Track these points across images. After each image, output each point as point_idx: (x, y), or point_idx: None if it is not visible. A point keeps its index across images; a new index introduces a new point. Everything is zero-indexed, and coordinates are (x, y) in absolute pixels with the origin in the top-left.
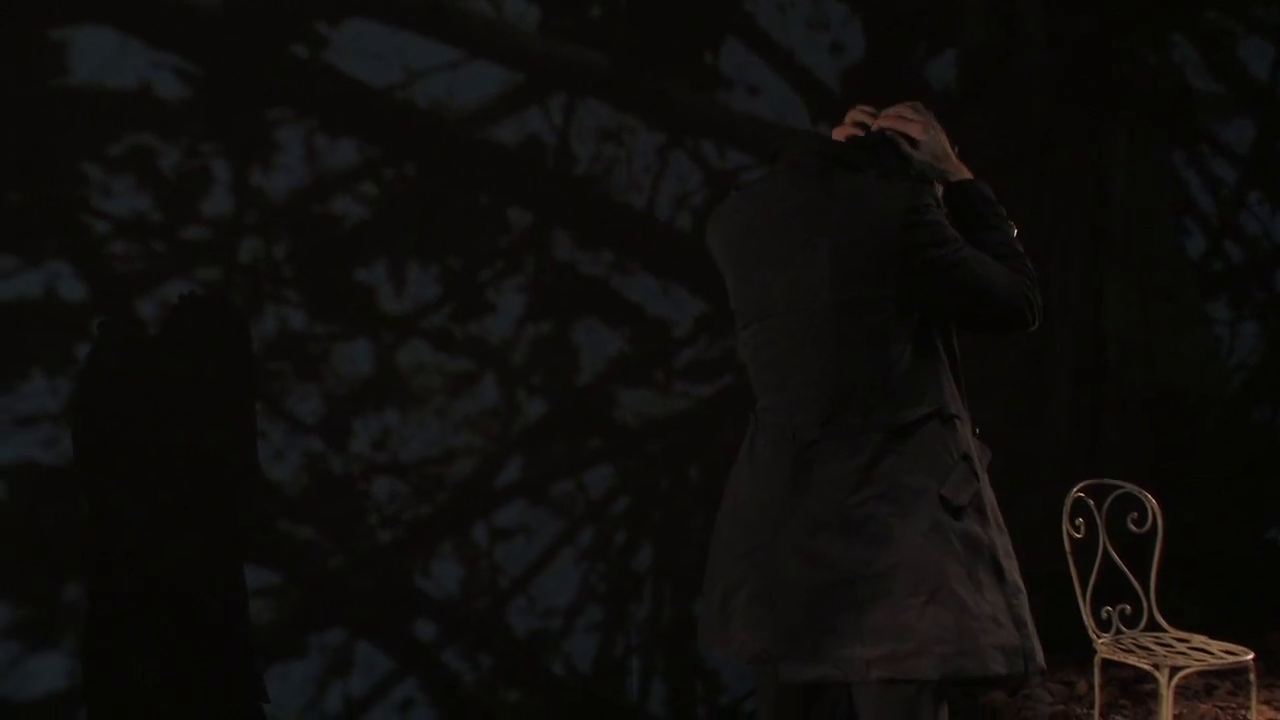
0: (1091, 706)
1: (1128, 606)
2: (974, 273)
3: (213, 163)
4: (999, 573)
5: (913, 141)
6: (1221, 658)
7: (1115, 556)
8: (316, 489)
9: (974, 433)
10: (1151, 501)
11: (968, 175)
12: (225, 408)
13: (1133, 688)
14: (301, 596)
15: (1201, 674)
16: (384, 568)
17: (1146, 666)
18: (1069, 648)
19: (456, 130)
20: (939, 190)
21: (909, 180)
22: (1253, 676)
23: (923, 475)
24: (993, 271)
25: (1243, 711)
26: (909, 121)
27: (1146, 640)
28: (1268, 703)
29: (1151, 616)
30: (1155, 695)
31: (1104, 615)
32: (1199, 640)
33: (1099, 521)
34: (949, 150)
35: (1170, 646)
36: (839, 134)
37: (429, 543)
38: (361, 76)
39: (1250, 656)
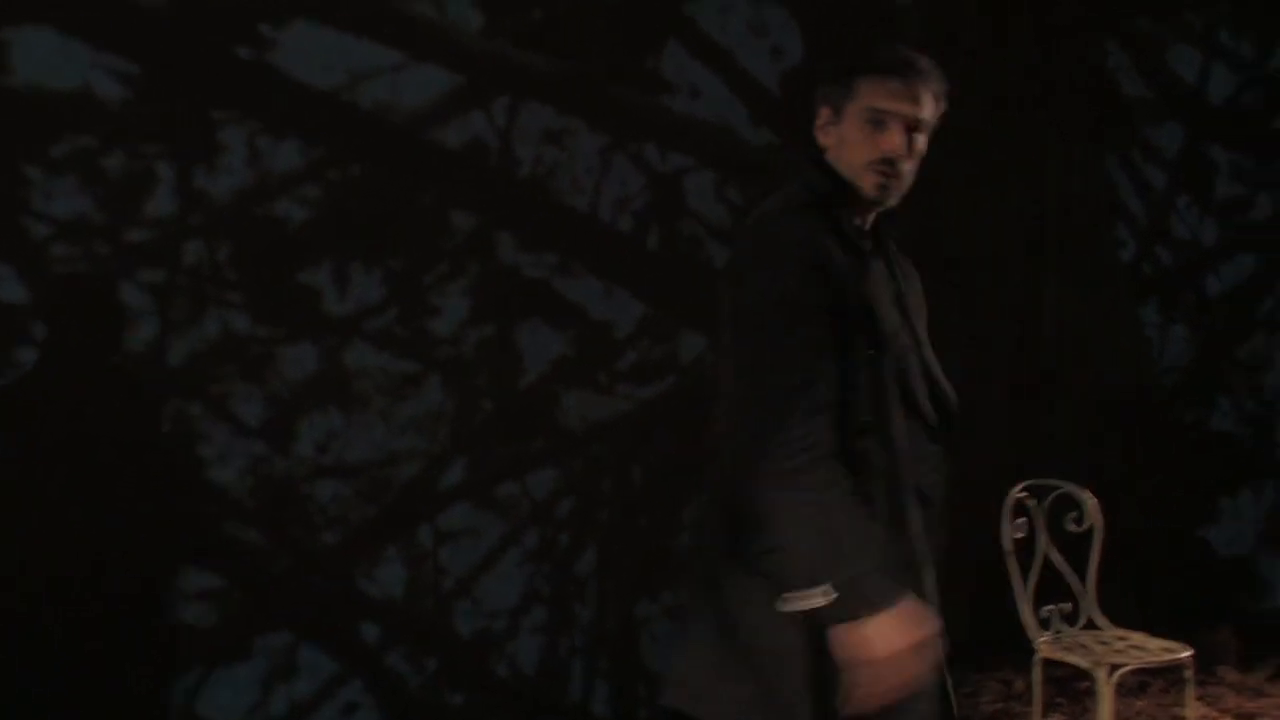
0: (1029, 704)
1: (1067, 605)
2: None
3: (156, 164)
4: None
5: None
6: (1159, 655)
7: (1055, 556)
8: (260, 492)
9: None
10: (1090, 501)
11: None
12: (168, 410)
13: (1069, 686)
14: (245, 599)
15: (1136, 671)
16: (328, 570)
17: (1086, 665)
18: (1009, 646)
19: (400, 132)
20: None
21: None
22: (1188, 674)
23: None
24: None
25: (1176, 708)
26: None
27: (1085, 638)
28: (1202, 699)
29: (1090, 615)
30: (1092, 693)
31: (1044, 614)
32: (1137, 638)
33: (1039, 521)
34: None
35: (1108, 645)
36: None
37: (373, 545)
38: (305, 79)
39: (1187, 654)
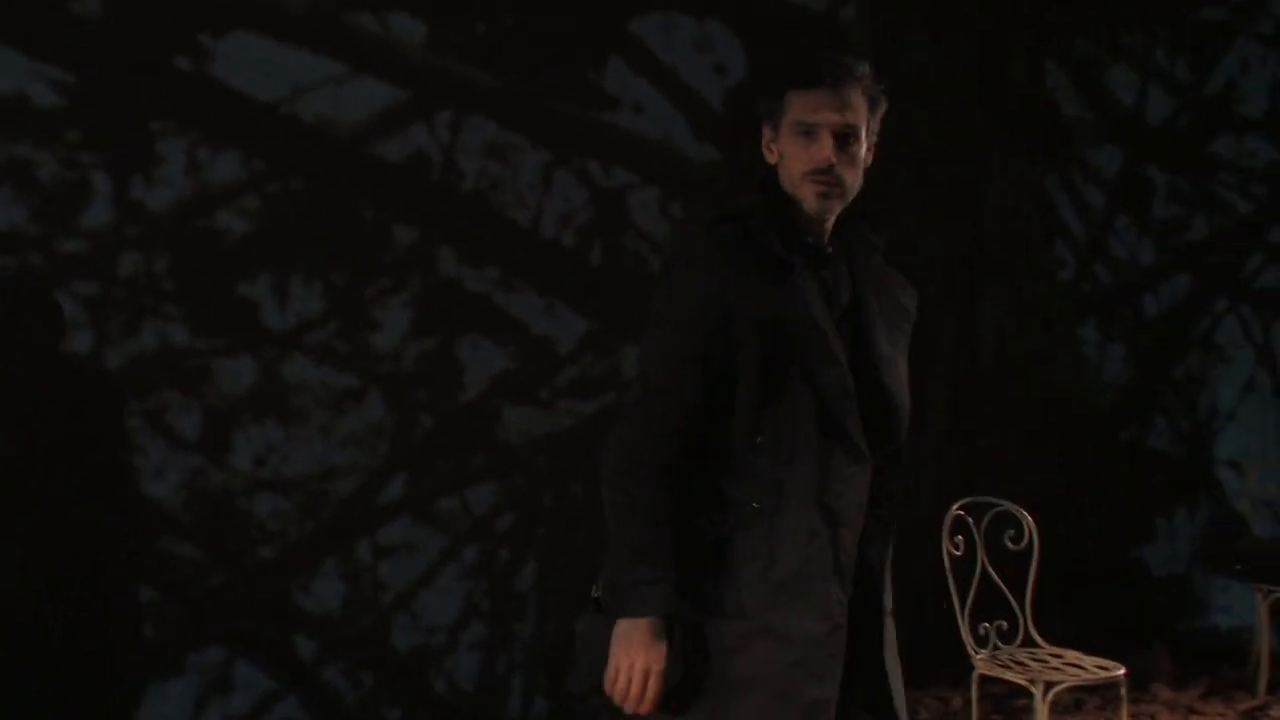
0: None
1: (1004, 623)
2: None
3: (92, 175)
4: None
5: None
6: (1094, 673)
7: (993, 573)
8: (196, 505)
9: None
10: (1028, 519)
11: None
12: (102, 422)
13: (1006, 703)
14: (180, 614)
15: (1072, 689)
16: (265, 585)
17: (1023, 682)
18: (946, 663)
19: (341, 145)
20: None
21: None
22: (1123, 691)
23: None
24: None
25: None
26: None
27: (1022, 656)
28: (1135, 716)
29: (1027, 632)
30: (1029, 710)
31: (981, 631)
32: (1072, 656)
33: (977, 539)
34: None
35: (1045, 662)
36: None
37: (311, 560)
38: (245, 90)
39: (1121, 672)
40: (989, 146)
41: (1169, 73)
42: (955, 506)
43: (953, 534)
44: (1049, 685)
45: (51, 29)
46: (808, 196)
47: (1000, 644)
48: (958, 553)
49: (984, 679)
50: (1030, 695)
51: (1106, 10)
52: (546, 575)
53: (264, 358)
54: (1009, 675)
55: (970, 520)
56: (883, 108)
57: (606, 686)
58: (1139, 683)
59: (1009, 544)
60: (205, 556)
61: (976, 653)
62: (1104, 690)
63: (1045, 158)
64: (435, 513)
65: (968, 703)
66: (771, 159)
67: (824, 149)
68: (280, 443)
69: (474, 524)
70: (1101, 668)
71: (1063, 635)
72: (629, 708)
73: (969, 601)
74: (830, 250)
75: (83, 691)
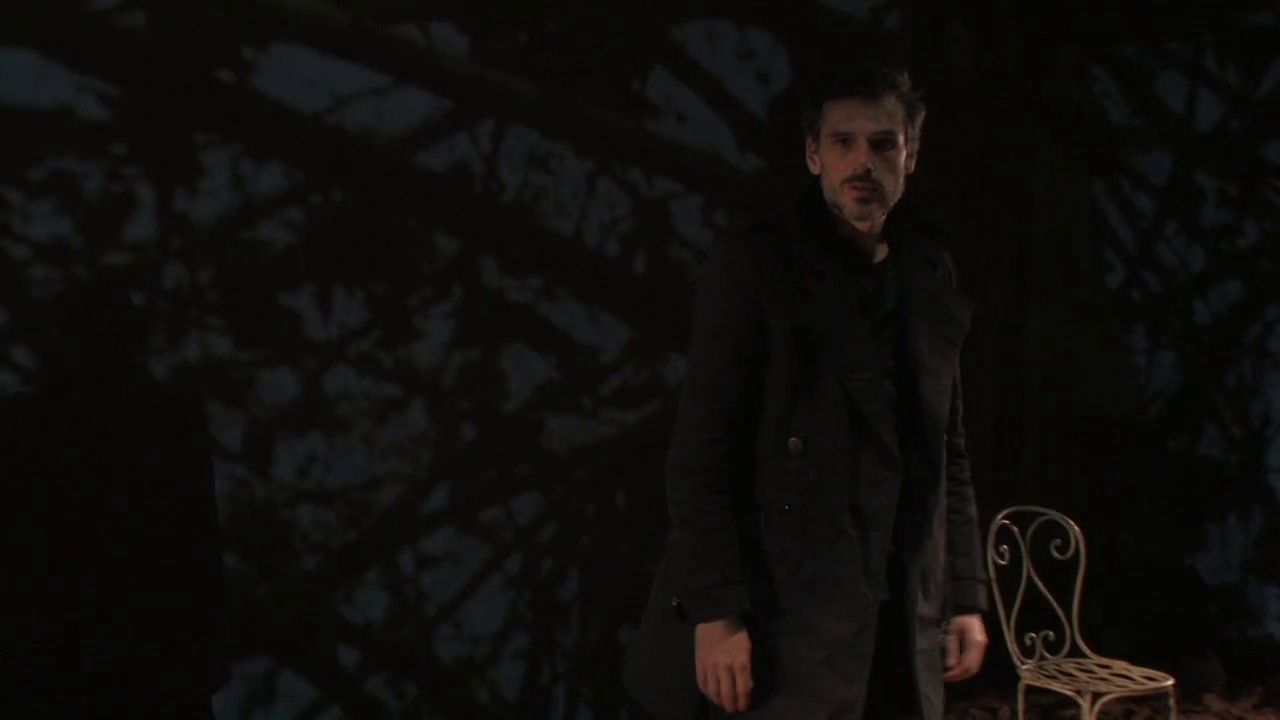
0: None
1: (1051, 633)
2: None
3: (136, 187)
4: None
5: None
6: (1142, 684)
7: (1039, 583)
8: (240, 516)
9: None
10: (1074, 529)
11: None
12: (149, 433)
13: (1054, 714)
14: (224, 625)
15: (1121, 699)
16: (308, 595)
17: (1069, 693)
18: (992, 674)
19: (384, 156)
20: None
21: None
22: (1172, 702)
23: None
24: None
25: None
26: None
27: (1069, 666)
28: None
29: (1074, 642)
30: None
31: (1028, 641)
32: (1120, 666)
33: (1023, 548)
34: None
35: (1092, 673)
36: None
37: (354, 570)
38: (288, 101)
39: (1170, 683)
40: (1034, 154)
41: (1219, 78)
42: (1000, 515)
43: (998, 543)
44: (1096, 696)
45: (96, 43)
46: (848, 203)
47: (1046, 654)
48: (1003, 562)
49: (1031, 689)
50: (1078, 706)
51: (1155, 17)
52: (590, 585)
53: (307, 368)
54: (1055, 686)
55: (1015, 529)
56: (921, 115)
57: (701, 690)
58: (1191, 693)
59: (1055, 553)
60: (249, 567)
61: (1023, 663)
62: (1154, 701)
63: (1092, 164)
64: (478, 523)
65: (1015, 713)
66: (815, 169)
67: (860, 156)
68: (323, 453)
69: (517, 534)
70: (1149, 678)
71: (1112, 646)
72: (728, 706)
73: (1014, 611)
74: (879, 259)
75: (128, 702)
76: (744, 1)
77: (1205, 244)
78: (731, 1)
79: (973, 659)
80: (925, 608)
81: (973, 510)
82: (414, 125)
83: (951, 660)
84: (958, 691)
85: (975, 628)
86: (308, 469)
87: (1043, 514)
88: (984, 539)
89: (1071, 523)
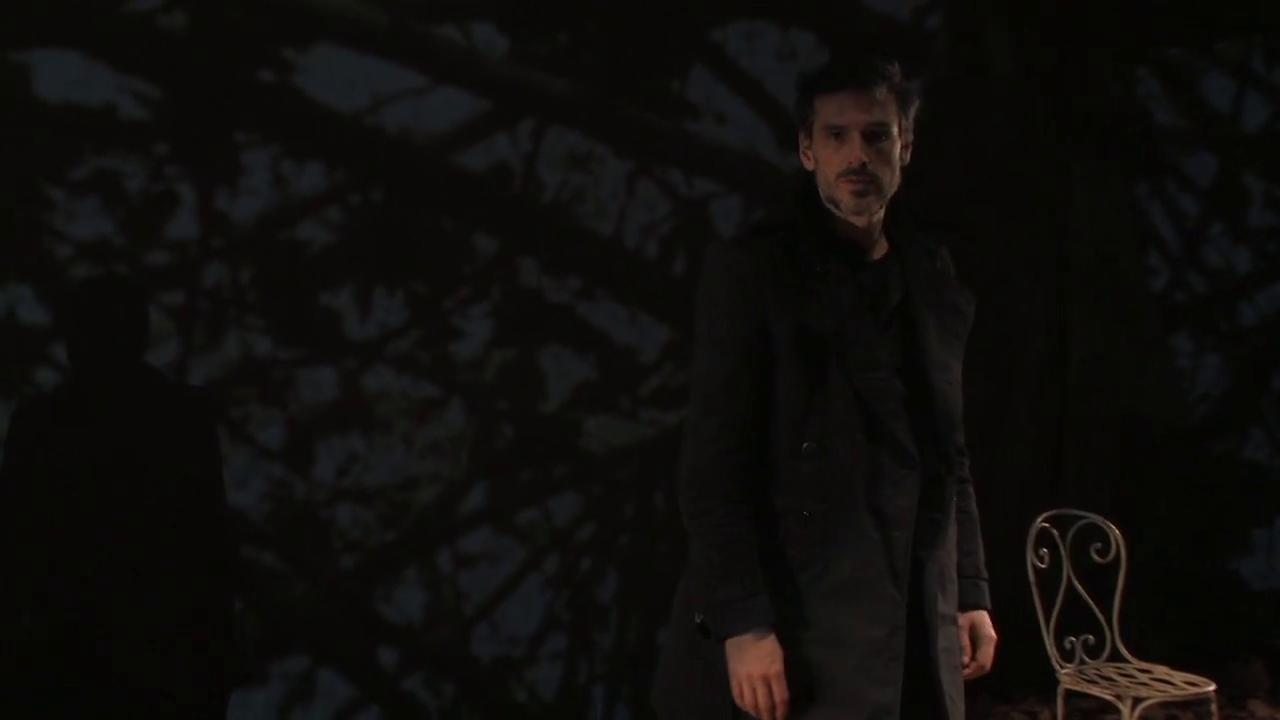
0: None
1: (1091, 637)
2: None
3: (178, 186)
4: None
5: None
6: (1183, 689)
7: (1079, 587)
8: (279, 515)
9: None
10: (1115, 532)
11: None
12: (187, 433)
13: (1095, 718)
14: (263, 624)
15: (1162, 704)
16: (347, 594)
17: (1109, 697)
18: (1032, 678)
19: (423, 156)
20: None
21: None
22: (1214, 708)
23: None
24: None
25: None
26: None
27: (1109, 670)
28: None
29: (1115, 647)
30: None
31: (1068, 645)
32: (1161, 671)
33: (1063, 552)
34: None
35: (1133, 677)
36: None
37: (393, 569)
38: (328, 101)
39: (1212, 688)
40: (1076, 155)
41: (1265, 79)
42: (1040, 518)
43: (1037, 547)
44: (1137, 701)
45: (138, 44)
46: (844, 197)
47: (1086, 658)
48: (1043, 565)
49: (1070, 694)
50: (1118, 710)
51: (1200, 18)
52: (628, 586)
53: (346, 367)
54: (1095, 690)
55: (1055, 532)
56: (915, 105)
57: (737, 703)
58: (1236, 698)
59: (1095, 557)
60: (287, 566)
61: (1062, 667)
62: (1196, 706)
63: (1136, 166)
64: (516, 523)
65: (1055, 718)
66: (810, 166)
67: (854, 149)
68: (362, 452)
69: (555, 534)
70: (1191, 683)
71: (1154, 650)
72: (765, 717)
73: (1054, 615)
74: (878, 255)
75: (167, 703)
76: (785, 2)
77: (1252, 245)
78: (772, 2)
79: (986, 655)
80: (944, 606)
81: (974, 507)
82: (454, 125)
83: (965, 658)
84: (998, 695)
85: (985, 623)
86: (347, 468)
87: (1083, 517)
88: (1024, 541)
89: (1112, 526)
